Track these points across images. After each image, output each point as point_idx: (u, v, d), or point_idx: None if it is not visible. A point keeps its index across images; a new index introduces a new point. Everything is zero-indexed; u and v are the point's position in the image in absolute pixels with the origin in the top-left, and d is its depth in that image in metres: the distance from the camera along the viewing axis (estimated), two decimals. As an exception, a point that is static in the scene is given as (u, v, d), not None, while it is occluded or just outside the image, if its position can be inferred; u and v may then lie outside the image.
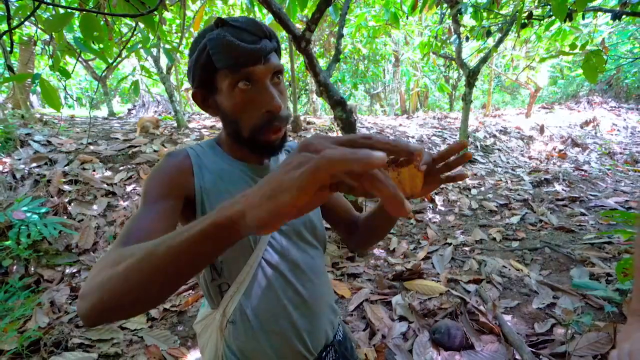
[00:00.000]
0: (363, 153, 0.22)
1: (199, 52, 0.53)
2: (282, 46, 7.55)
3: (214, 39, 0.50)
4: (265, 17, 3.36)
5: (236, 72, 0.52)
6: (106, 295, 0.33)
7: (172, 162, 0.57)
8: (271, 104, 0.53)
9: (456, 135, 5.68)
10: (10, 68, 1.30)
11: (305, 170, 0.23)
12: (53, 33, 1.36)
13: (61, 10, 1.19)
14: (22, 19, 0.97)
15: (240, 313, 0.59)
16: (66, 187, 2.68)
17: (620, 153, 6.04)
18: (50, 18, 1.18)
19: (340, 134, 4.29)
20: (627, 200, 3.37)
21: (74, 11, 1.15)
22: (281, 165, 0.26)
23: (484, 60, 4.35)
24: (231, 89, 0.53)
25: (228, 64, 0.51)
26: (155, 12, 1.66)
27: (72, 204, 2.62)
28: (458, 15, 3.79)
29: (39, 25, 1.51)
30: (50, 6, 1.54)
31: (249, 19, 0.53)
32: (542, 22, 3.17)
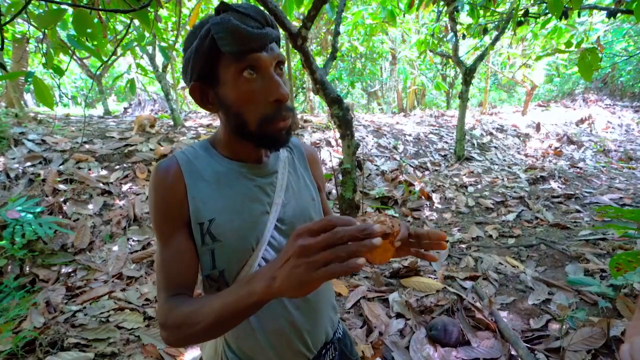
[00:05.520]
0: (343, 267, 0.35)
1: (200, 40, 0.50)
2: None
3: (218, 23, 0.48)
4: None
5: (241, 59, 0.50)
6: (193, 342, 0.49)
7: (162, 186, 0.55)
8: (279, 92, 0.52)
9: (453, 133, 5.70)
10: (2, 66, 1.28)
11: (310, 282, 0.37)
12: (46, 30, 1.34)
13: (54, 6, 1.18)
14: (13, 15, 0.95)
15: None
16: (61, 186, 2.66)
17: (615, 150, 6.10)
18: (43, 14, 1.17)
19: (336, 132, 4.28)
20: (621, 197, 3.40)
21: (66, 7, 1.13)
22: (283, 260, 0.39)
23: (480, 58, 4.36)
24: (236, 78, 0.51)
25: (234, 49, 0.48)
26: (150, 9, 1.65)
27: (68, 203, 2.60)
28: (455, 13, 3.80)
29: (32, 22, 1.49)
30: (43, 2, 1.52)
31: (252, 5, 0.51)
32: (538, 20, 3.18)
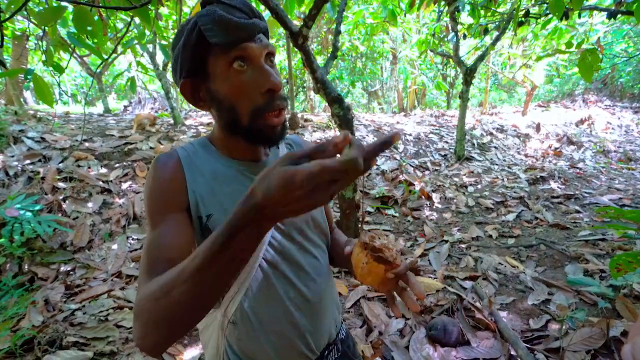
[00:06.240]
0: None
1: (187, 33, 0.50)
2: (280, 43, 7.50)
3: (204, 15, 0.48)
4: (262, 13, 3.33)
5: (230, 49, 0.49)
6: (170, 325, 0.39)
7: (163, 174, 0.55)
8: (270, 81, 0.51)
9: (453, 133, 5.70)
10: (2, 63, 1.28)
11: (318, 201, 0.31)
12: (46, 27, 1.34)
13: (54, 4, 1.17)
14: (13, 12, 0.95)
15: (241, 314, 0.58)
16: (61, 185, 2.65)
17: (615, 151, 6.10)
18: (43, 11, 1.16)
19: (337, 132, 4.30)
20: (620, 198, 3.40)
21: (66, 4, 1.13)
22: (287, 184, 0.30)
23: (481, 58, 4.36)
24: (226, 70, 0.51)
25: (222, 40, 0.48)
26: (151, 7, 1.64)
27: (67, 201, 2.59)
28: (456, 12, 3.79)
29: (31, 19, 1.48)
30: None
31: None
32: (538, 20, 3.18)
